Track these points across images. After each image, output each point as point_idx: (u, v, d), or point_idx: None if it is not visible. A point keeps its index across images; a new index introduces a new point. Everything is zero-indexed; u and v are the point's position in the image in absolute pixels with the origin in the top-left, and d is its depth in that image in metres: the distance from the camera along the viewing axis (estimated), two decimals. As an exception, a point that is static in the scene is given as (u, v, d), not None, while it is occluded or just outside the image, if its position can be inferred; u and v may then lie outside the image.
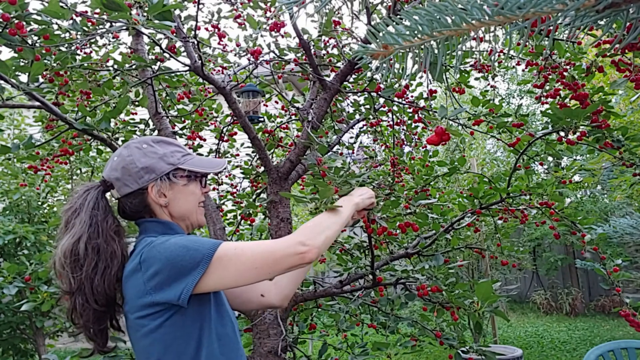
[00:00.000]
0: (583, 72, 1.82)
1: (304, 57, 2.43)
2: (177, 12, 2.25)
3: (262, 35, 2.50)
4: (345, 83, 2.55)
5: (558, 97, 1.90)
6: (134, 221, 1.08)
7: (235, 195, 2.88)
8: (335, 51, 2.61)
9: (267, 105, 3.21)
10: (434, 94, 2.37)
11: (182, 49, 2.29)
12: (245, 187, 3.04)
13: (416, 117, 2.55)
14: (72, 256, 0.95)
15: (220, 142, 2.80)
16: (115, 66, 2.18)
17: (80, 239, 0.96)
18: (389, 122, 2.71)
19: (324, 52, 2.62)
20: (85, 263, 0.95)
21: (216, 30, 2.67)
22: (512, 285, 6.76)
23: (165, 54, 2.12)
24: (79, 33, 1.89)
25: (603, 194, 7.74)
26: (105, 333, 1.01)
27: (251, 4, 2.53)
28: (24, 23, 1.54)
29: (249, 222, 2.68)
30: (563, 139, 1.80)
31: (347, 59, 2.35)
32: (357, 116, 2.81)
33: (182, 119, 2.73)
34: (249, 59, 2.45)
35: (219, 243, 0.92)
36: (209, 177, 1.16)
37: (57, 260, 0.97)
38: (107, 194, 1.07)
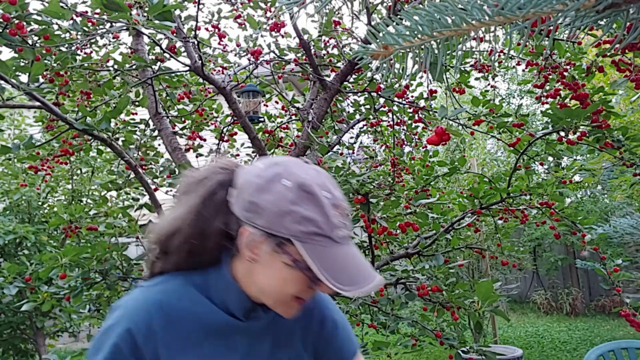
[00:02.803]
0: (583, 72, 1.82)
1: (304, 57, 2.43)
2: (177, 12, 2.25)
3: (262, 36, 2.51)
4: (345, 83, 2.55)
5: (558, 97, 1.90)
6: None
7: (235, 195, 2.88)
8: (335, 51, 2.61)
9: (267, 105, 3.21)
10: (434, 94, 2.37)
11: (182, 49, 2.29)
12: (245, 187, 3.03)
13: (416, 117, 2.55)
14: (164, 242, 0.77)
15: (221, 142, 2.80)
16: (116, 66, 2.18)
17: (180, 229, 0.75)
18: (389, 122, 2.71)
19: (324, 52, 2.63)
20: (170, 257, 0.78)
21: (216, 30, 2.67)
22: (512, 285, 6.76)
23: (166, 54, 2.12)
24: (79, 33, 1.90)
25: (603, 194, 7.75)
26: None
27: (251, 4, 2.53)
28: (25, 23, 1.54)
29: (249, 222, 2.67)
30: (563, 139, 1.80)
31: (347, 59, 2.35)
32: (357, 116, 2.81)
33: (182, 119, 2.74)
34: (249, 59, 2.45)
35: None
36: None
37: (152, 234, 0.78)
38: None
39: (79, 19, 1.87)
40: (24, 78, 1.83)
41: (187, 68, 2.07)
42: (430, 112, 2.36)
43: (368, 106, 2.66)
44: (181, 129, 2.75)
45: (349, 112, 2.86)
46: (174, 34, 2.16)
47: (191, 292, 0.76)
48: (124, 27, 1.65)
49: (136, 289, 0.78)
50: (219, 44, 2.75)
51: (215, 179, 0.76)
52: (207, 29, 2.66)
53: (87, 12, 2.12)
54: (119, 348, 0.71)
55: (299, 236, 0.69)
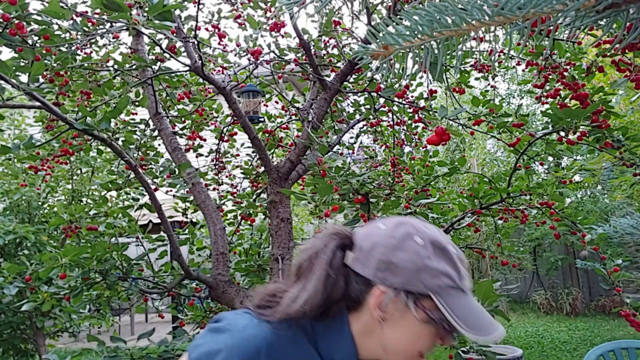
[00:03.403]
0: (583, 72, 1.82)
1: (304, 57, 2.43)
2: (177, 12, 2.25)
3: (262, 36, 2.51)
4: (345, 83, 2.55)
5: (558, 97, 1.90)
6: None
7: (235, 195, 2.88)
8: (335, 51, 2.61)
9: (267, 106, 3.21)
10: (434, 94, 2.37)
11: (182, 49, 2.29)
12: (245, 187, 3.04)
13: (416, 117, 2.55)
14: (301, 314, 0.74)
15: (221, 142, 2.80)
16: (116, 66, 2.18)
17: (311, 299, 0.74)
18: (389, 122, 2.71)
19: (324, 52, 2.63)
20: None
21: (216, 30, 2.67)
22: (512, 285, 6.76)
23: (166, 54, 2.12)
24: (79, 33, 1.89)
25: (603, 194, 7.75)
26: None
27: (251, 4, 2.53)
28: (24, 23, 1.54)
29: (249, 222, 2.68)
30: (563, 139, 1.80)
31: (347, 59, 2.35)
32: (357, 116, 2.81)
33: (182, 119, 2.74)
34: (249, 59, 2.45)
35: None
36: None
37: (294, 308, 0.74)
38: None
39: (79, 19, 1.87)
40: (24, 78, 1.83)
41: (187, 68, 2.07)
42: (430, 112, 2.36)
43: (368, 106, 2.66)
44: (181, 129, 2.75)
45: (349, 112, 2.86)
46: (174, 34, 2.16)
47: (300, 339, 0.76)
48: (124, 27, 1.65)
49: (247, 316, 0.76)
50: (219, 44, 2.75)
51: (332, 245, 0.78)
52: (207, 29, 2.66)
53: (87, 12, 2.12)
54: None
55: (437, 290, 0.71)
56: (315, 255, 0.78)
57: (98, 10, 2.05)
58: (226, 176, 3.06)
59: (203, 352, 0.71)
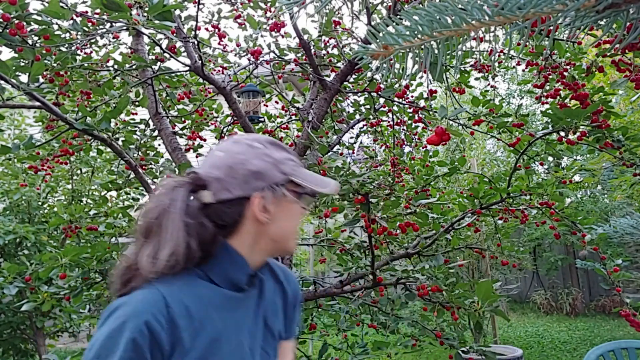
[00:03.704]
0: (583, 72, 1.82)
1: (304, 57, 2.43)
2: (177, 12, 2.25)
3: (262, 36, 2.51)
4: (345, 83, 2.55)
5: (558, 97, 1.90)
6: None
7: (235, 195, 2.88)
8: (335, 51, 2.61)
9: (267, 105, 3.21)
10: (434, 94, 2.37)
11: (182, 49, 2.29)
12: (245, 187, 3.04)
13: (416, 117, 2.55)
14: (171, 269, 0.77)
15: (220, 142, 2.80)
16: (116, 66, 2.18)
17: (177, 250, 0.77)
18: (389, 122, 2.71)
19: (324, 52, 2.63)
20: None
21: (216, 30, 2.67)
22: (512, 285, 6.76)
23: (166, 54, 2.12)
24: (79, 33, 1.90)
25: (603, 194, 7.75)
26: None
27: (251, 4, 2.53)
28: (25, 23, 1.54)
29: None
30: (563, 139, 1.80)
31: (347, 59, 2.35)
32: (357, 116, 2.81)
33: (183, 119, 2.73)
34: (249, 59, 2.45)
35: None
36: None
37: (159, 265, 0.77)
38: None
39: (79, 19, 1.87)
40: (24, 78, 1.83)
41: (187, 68, 2.07)
42: (430, 112, 2.36)
43: (368, 106, 2.66)
44: (181, 129, 2.75)
45: (349, 112, 2.86)
46: (174, 34, 2.16)
47: (194, 281, 0.81)
48: (124, 27, 1.65)
49: (132, 293, 0.77)
50: (219, 44, 2.75)
51: (181, 195, 0.82)
52: (207, 29, 2.66)
53: (87, 12, 2.12)
54: (136, 344, 0.71)
55: (292, 172, 0.86)
56: (163, 212, 0.80)
57: (98, 10, 2.05)
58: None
59: (103, 336, 0.71)
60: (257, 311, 0.89)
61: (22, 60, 1.68)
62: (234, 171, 0.82)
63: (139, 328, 0.71)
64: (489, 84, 2.51)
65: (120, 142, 2.14)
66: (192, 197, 0.82)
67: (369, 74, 2.45)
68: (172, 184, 0.84)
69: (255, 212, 0.82)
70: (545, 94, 1.95)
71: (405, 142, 2.74)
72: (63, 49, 1.85)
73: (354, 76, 2.58)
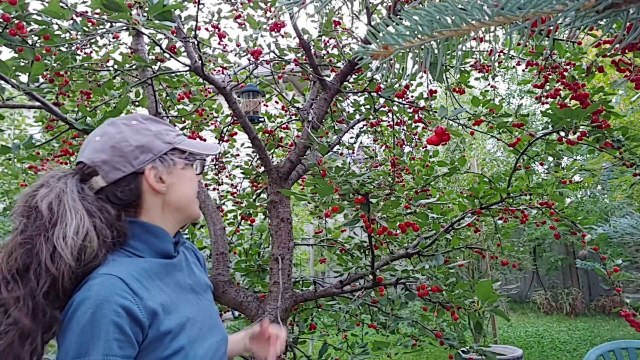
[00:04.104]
0: (583, 72, 1.82)
1: (304, 57, 2.43)
2: (177, 12, 2.25)
3: (262, 35, 2.51)
4: (345, 83, 2.55)
5: (558, 97, 1.90)
6: None
7: (235, 195, 2.88)
8: (335, 51, 2.61)
9: (267, 105, 3.21)
10: (434, 94, 2.37)
11: (182, 49, 2.29)
12: (245, 187, 3.04)
13: (416, 117, 2.55)
14: (82, 253, 0.76)
15: (221, 142, 2.80)
16: (116, 66, 2.18)
17: (88, 233, 0.77)
18: (389, 122, 2.71)
19: (324, 52, 2.63)
20: (94, 261, 0.78)
21: (216, 30, 2.67)
22: (512, 285, 6.76)
23: (166, 54, 2.12)
24: (79, 33, 1.89)
25: (603, 194, 7.75)
26: None
27: (251, 4, 2.53)
28: (24, 23, 1.54)
29: (249, 222, 2.68)
30: (563, 139, 1.80)
31: (347, 59, 2.35)
32: (357, 116, 2.81)
33: (182, 119, 2.73)
34: (249, 59, 2.45)
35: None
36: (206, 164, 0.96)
37: (66, 258, 0.74)
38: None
39: (79, 19, 1.87)
40: (24, 78, 1.83)
41: (187, 68, 2.07)
42: (430, 112, 2.36)
43: (368, 106, 2.66)
44: (181, 129, 2.75)
45: (349, 112, 2.86)
46: (174, 34, 2.16)
47: (127, 259, 0.82)
48: (124, 27, 1.65)
49: (83, 288, 0.75)
50: (219, 44, 2.75)
51: (72, 185, 0.82)
52: (207, 29, 2.66)
53: (87, 12, 2.12)
54: (118, 325, 0.72)
55: (175, 140, 0.90)
56: (59, 196, 0.79)
57: (98, 10, 2.05)
58: (226, 176, 3.06)
59: (78, 329, 0.71)
60: (189, 270, 0.95)
61: (22, 60, 1.68)
62: (118, 150, 0.83)
63: (114, 310, 0.72)
64: (489, 84, 2.51)
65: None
66: (82, 187, 0.83)
67: (369, 74, 2.45)
68: (57, 174, 0.84)
69: (152, 184, 0.85)
70: (545, 94, 1.95)
71: (405, 142, 2.74)
72: (63, 49, 1.84)
73: (354, 76, 2.58)
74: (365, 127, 2.90)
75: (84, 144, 0.88)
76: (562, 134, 1.77)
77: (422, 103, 2.48)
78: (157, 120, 0.93)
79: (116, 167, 0.83)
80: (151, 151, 0.86)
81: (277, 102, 3.16)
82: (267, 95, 3.16)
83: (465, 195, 2.30)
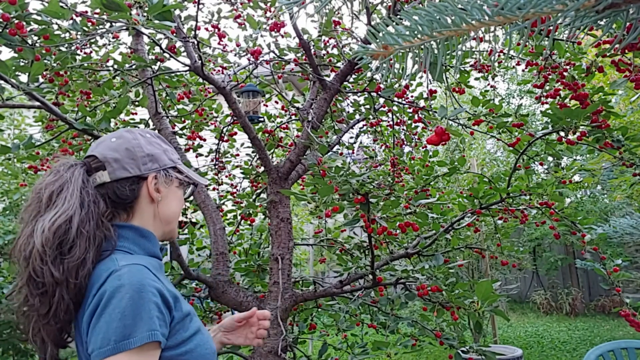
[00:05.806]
0: (583, 72, 1.82)
1: (304, 57, 2.43)
2: (177, 12, 2.25)
3: (262, 35, 2.50)
4: (345, 83, 2.55)
5: (558, 97, 1.90)
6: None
7: (235, 195, 2.88)
8: (335, 51, 2.61)
9: (267, 105, 3.21)
10: (434, 94, 2.37)
11: (182, 49, 2.29)
12: (245, 187, 3.04)
13: (416, 117, 2.55)
14: (60, 237, 0.80)
15: (220, 142, 2.80)
16: (115, 66, 2.18)
17: (72, 218, 0.82)
18: (389, 122, 2.71)
19: (324, 52, 2.63)
20: (74, 250, 0.80)
21: (216, 30, 2.67)
22: (512, 285, 6.76)
23: (165, 54, 2.12)
24: (79, 33, 1.89)
25: (603, 194, 7.75)
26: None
27: (251, 4, 2.53)
28: (24, 23, 1.54)
29: (249, 222, 2.68)
30: (563, 139, 1.80)
31: (347, 59, 2.35)
32: (357, 116, 2.81)
33: (182, 119, 2.73)
34: (249, 59, 2.45)
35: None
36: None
37: (36, 241, 0.79)
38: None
39: (78, 19, 1.87)
40: (23, 78, 1.83)
41: (187, 68, 2.07)
42: (430, 112, 2.36)
43: (368, 106, 2.66)
44: (181, 129, 2.75)
45: (348, 112, 2.86)
46: (174, 34, 2.16)
47: (132, 256, 0.88)
48: (124, 27, 1.65)
49: (120, 270, 0.81)
50: (219, 44, 2.74)
51: (78, 174, 0.89)
52: (207, 29, 2.66)
53: (87, 12, 2.11)
54: (157, 305, 0.78)
55: (176, 161, 1.01)
56: (64, 184, 0.87)
57: (98, 10, 2.05)
58: (226, 176, 3.06)
59: (119, 323, 0.74)
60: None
61: (22, 60, 1.68)
62: (132, 153, 0.92)
63: (151, 292, 0.78)
64: (488, 84, 2.51)
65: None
66: (87, 179, 0.90)
67: (369, 74, 2.45)
68: (69, 163, 0.91)
69: (150, 190, 0.94)
70: (545, 94, 1.95)
71: (405, 142, 2.74)
72: (63, 49, 1.84)
73: (353, 76, 2.58)
74: (365, 127, 2.90)
75: (96, 142, 0.96)
76: (562, 134, 1.77)
77: (422, 103, 2.48)
78: (165, 141, 1.04)
79: (125, 167, 0.91)
80: (158, 162, 0.96)
81: (277, 102, 3.16)
82: (267, 95, 3.16)
83: (465, 195, 2.30)
